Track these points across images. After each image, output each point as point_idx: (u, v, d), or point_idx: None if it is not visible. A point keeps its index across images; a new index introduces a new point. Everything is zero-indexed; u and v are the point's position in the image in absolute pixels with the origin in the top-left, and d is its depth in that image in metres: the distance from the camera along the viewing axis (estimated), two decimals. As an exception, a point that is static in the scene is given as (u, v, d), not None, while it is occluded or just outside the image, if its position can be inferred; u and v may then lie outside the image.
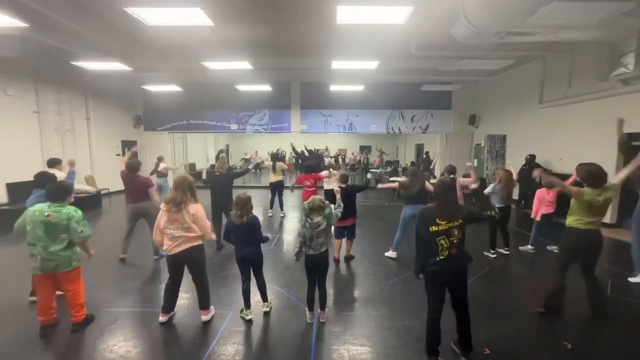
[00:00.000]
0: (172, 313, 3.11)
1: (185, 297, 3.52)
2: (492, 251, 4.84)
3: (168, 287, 3.02)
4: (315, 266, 2.99)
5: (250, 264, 3.08)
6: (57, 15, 4.98)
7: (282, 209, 7.61)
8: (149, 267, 4.42)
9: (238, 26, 6.21)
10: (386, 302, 3.45)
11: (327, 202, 3.02)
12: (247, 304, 3.11)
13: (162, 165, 7.94)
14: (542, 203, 4.87)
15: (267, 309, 3.22)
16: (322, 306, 3.09)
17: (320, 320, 3.07)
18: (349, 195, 4.27)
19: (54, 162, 4.33)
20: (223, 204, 4.98)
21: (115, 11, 5.19)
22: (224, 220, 4.62)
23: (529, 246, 5.08)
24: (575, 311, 3.25)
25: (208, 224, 2.97)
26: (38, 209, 2.72)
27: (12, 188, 7.15)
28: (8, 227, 6.29)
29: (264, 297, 3.24)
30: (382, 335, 2.87)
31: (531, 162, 7.70)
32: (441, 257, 2.35)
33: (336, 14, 4.52)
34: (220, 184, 5.11)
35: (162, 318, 3.02)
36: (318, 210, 2.88)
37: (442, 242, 2.35)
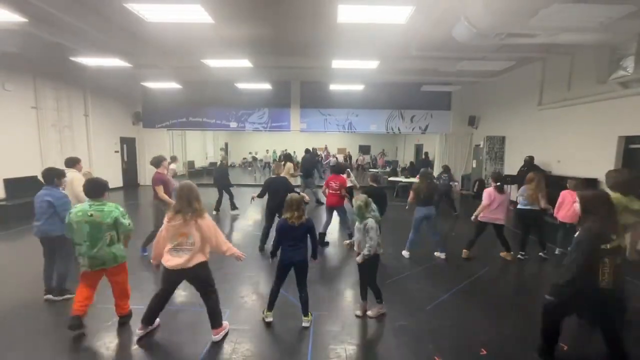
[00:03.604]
0: (151, 327, 2.81)
1: (183, 294, 3.51)
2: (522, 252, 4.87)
3: (156, 297, 2.72)
4: (365, 265, 3.03)
5: (296, 270, 2.93)
6: (57, 10, 4.96)
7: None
8: (147, 266, 4.41)
9: (238, 24, 6.19)
10: (384, 303, 3.45)
11: (370, 199, 3.07)
12: (271, 307, 3.00)
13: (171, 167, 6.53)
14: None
15: (307, 324, 2.94)
16: (379, 299, 3.15)
17: (371, 314, 3.12)
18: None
19: (73, 162, 4.11)
20: (279, 207, 4.71)
21: (115, 7, 5.17)
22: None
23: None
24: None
25: (223, 238, 2.68)
26: (80, 209, 2.70)
27: (9, 184, 7.12)
28: (6, 223, 6.34)
29: (306, 311, 2.97)
30: (379, 335, 2.87)
31: (530, 164, 7.70)
32: (603, 279, 2.01)
33: (337, 13, 4.51)
34: (277, 187, 4.97)
35: (138, 331, 2.73)
36: (367, 207, 2.98)
37: (609, 261, 2.03)
